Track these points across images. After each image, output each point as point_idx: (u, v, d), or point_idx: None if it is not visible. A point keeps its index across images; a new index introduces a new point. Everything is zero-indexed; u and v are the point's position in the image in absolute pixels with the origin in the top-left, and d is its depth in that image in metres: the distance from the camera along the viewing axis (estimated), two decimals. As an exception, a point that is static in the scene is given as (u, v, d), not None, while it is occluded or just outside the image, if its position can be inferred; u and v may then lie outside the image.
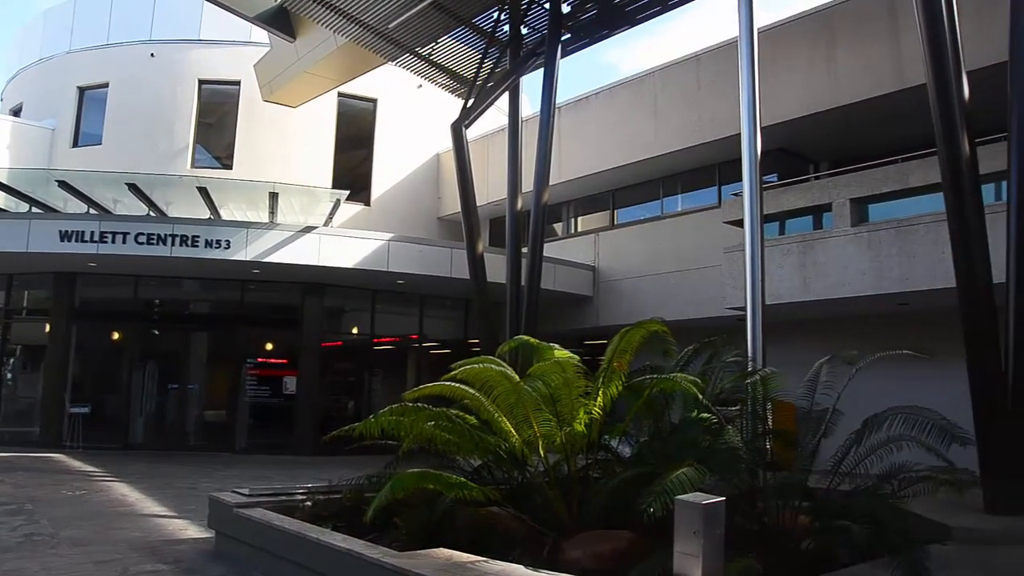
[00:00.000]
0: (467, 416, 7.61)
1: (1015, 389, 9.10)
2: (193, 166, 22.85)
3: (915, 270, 13.23)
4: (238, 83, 23.31)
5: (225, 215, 19.42)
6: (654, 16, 17.56)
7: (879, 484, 6.65)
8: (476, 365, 7.12)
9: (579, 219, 23.34)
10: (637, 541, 6.35)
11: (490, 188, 21.79)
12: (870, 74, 15.07)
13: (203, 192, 17.89)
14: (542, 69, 16.90)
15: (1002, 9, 10.02)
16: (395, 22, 17.45)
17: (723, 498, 5.56)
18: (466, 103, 18.14)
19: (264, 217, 19.31)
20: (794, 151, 17.83)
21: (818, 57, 15.96)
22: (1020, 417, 9.07)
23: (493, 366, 7.04)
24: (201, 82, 23.61)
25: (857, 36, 15.42)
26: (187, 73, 23.51)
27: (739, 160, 11.22)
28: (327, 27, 18.00)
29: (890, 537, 5.81)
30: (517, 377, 7.00)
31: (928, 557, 5.61)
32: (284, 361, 20.04)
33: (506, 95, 18.20)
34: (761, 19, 12.96)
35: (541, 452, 7.24)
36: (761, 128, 11.13)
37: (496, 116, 22.12)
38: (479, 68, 18.59)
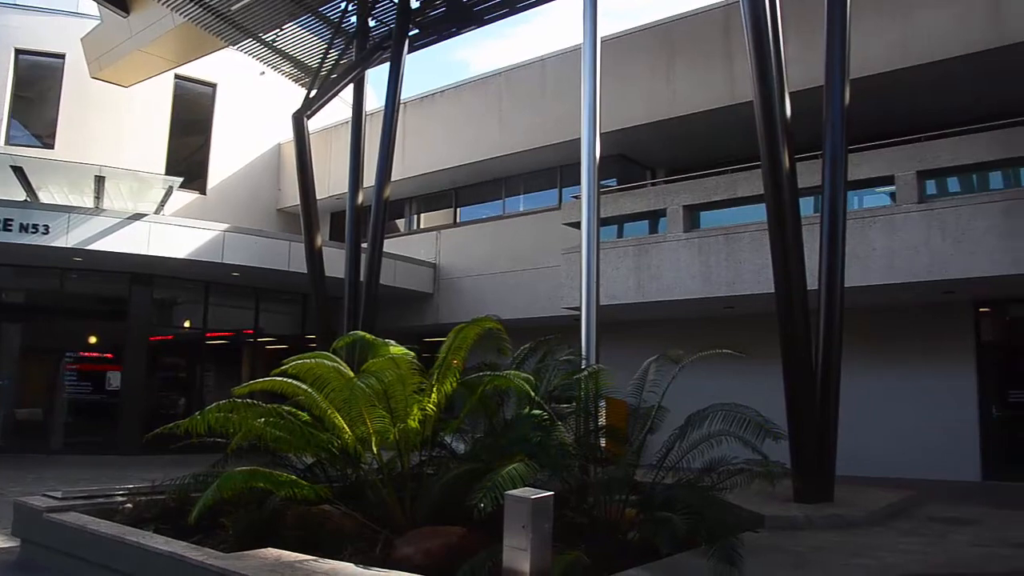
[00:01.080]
0: (300, 412, 7.47)
1: (823, 388, 9.78)
2: (8, 143, 21.12)
3: (740, 275, 13.99)
4: (63, 56, 21.73)
5: (44, 198, 18.10)
6: (502, 17, 17.74)
7: (700, 477, 6.99)
8: (309, 360, 6.99)
9: (422, 216, 23.30)
10: (468, 536, 6.40)
11: (332, 181, 21.47)
12: (705, 88, 15.80)
13: (18, 172, 16.66)
14: (389, 63, 16.75)
15: (823, 37, 10.71)
16: (237, 4, 16.86)
17: (551, 493, 5.68)
18: (309, 93, 17.75)
19: (89, 202, 18.14)
20: (633, 158, 18.47)
21: (658, 69, 16.58)
22: (827, 414, 9.76)
23: (326, 361, 6.93)
24: (18, 51, 21.79)
25: (695, 52, 16.13)
26: (1, 40, 21.73)
27: (580, 163, 11.50)
28: (164, 4, 17.16)
29: (708, 526, 6.11)
30: (351, 373, 6.93)
31: (741, 544, 5.94)
32: (108, 355, 18.90)
33: (351, 87, 17.94)
34: (605, 28, 13.35)
35: (374, 449, 7.18)
36: (601, 134, 11.45)
37: (341, 108, 21.73)
38: (324, 58, 18.24)
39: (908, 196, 13.01)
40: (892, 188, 13.42)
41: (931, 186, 13.44)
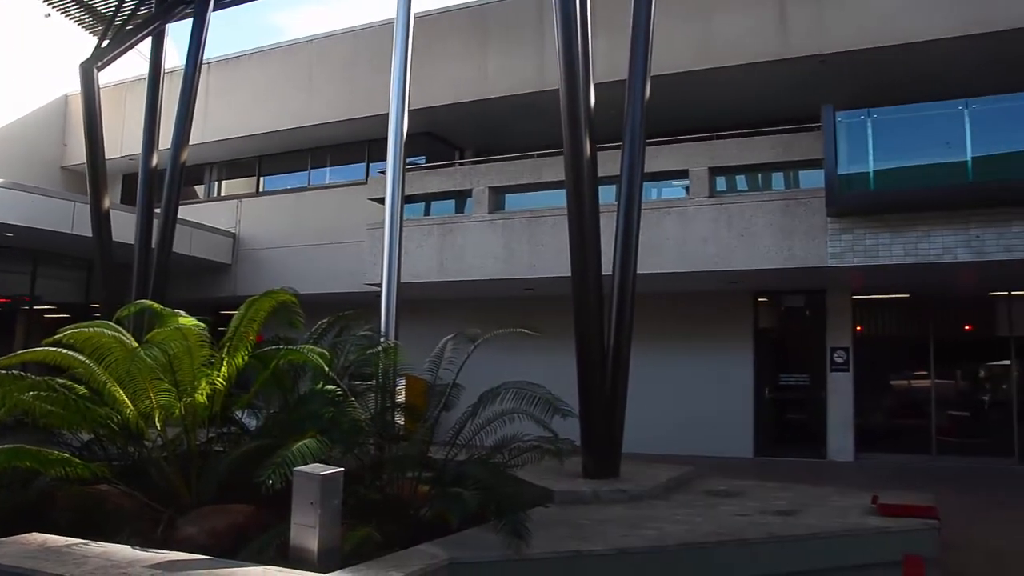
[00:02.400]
0: (76, 386, 6.96)
1: (613, 369, 10.22)
2: None
3: (541, 258, 14.38)
4: None
5: None
6: (315, -17, 17.22)
7: (492, 453, 7.12)
8: (87, 329, 6.52)
9: (223, 183, 22.36)
10: (256, 515, 6.24)
11: (126, 140, 20.13)
12: (516, 73, 16.04)
13: None
14: (192, 19, 15.85)
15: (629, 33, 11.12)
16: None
17: (341, 469, 5.62)
18: (101, 43, 16.51)
19: None
20: (442, 136, 18.52)
21: (471, 50, 16.67)
22: (616, 394, 10.21)
23: (107, 331, 6.50)
24: None
25: (507, 36, 16.33)
26: None
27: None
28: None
29: (498, 502, 6.25)
30: (135, 343, 6.54)
31: (528, 518, 6.12)
32: None
33: (149, 40, 16.82)
34: (420, 4, 13.24)
35: (159, 425, 6.83)
36: (411, 110, 11.37)
37: (139, 62, 20.33)
38: (119, 6, 16.99)
39: (700, 190, 13.86)
40: (686, 182, 14.23)
41: (721, 182, 14.37)
